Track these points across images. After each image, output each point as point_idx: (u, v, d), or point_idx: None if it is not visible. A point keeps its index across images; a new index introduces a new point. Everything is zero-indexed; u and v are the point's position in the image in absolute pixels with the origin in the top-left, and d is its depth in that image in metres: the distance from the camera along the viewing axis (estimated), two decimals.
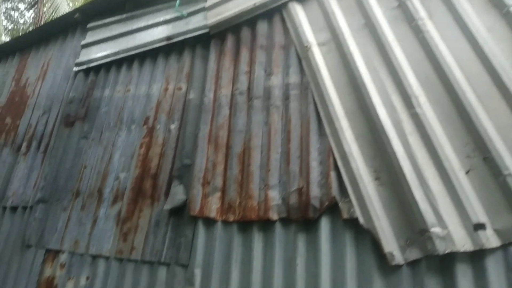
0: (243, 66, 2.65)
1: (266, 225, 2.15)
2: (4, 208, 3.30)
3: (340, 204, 1.96)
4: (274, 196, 2.17)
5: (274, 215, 2.12)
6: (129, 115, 3.05)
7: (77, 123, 3.28)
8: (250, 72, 2.61)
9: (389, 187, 1.88)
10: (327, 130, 2.16)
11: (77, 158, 3.13)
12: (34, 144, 3.44)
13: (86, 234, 2.78)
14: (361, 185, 1.92)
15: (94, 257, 2.67)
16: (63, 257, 2.80)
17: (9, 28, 14.41)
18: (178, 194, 2.50)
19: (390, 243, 1.76)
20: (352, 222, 1.91)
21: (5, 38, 13.15)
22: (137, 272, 2.46)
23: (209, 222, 2.34)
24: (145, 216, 2.60)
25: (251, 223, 2.20)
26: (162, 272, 2.37)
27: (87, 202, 2.90)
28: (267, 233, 2.14)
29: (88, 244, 2.73)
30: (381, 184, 1.91)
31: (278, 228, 2.10)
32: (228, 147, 2.49)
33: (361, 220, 1.86)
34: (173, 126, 2.79)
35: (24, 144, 3.50)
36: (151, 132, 2.88)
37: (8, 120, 3.78)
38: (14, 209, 3.25)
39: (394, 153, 1.88)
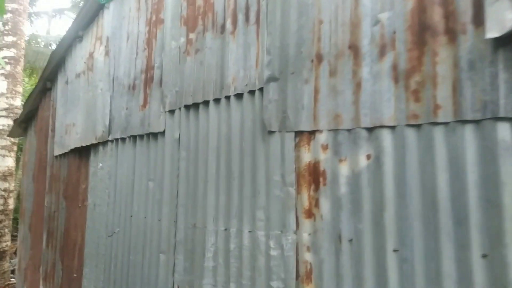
0: None
1: None
2: (228, 98, 2.97)
3: None
4: None
5: None
6: None
7: None
8: None
9: None
10: None
11: (304, 15, 2.48)
12: (240, 17, 2.93)
13: (348, 104, 2.19)
14: None
15: (370, 130, 2.09)
16: (322, 137, 2.31)
17: None
18: (505, 12, 1.62)
19: None
20: None
21: None
22: (452, 138, 1.77)
23: None
24: (444, 60, 1.83)
25: None
26: (503, 131, 1.63)
27: (337, 65, 2.27)
28: None
29: (357, 115, 2.14)
30: None
31: None
32: None
33: None
34: None
35: (228, 21, 3.03)
36: None
37: (200, 2, 3.35)
38: (239, 96, 2.89)
39: None
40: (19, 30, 8.63)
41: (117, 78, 4.43)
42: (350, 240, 2.10)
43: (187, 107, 3.36)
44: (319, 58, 2.37)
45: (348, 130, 2.19)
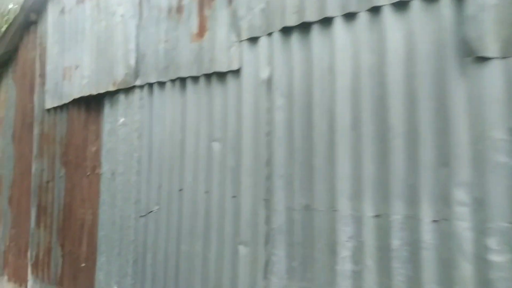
0: None
1: None
2: (375, 10, 1.91)
3: None
4: None
5: None
6: None
7: None
8: None
9: None
10: None
11: None
12: None
13: None
14: None
15: None
16: None
17: None
18: None
19: None
20: None
21: None
22: None
23: None
24: None
25: None
26: None
27: None
28: None
29: None
30: None
31: None
32: None
33: None
34: None
35: None
36: None
37: None
38: (401, 5, 1.83)
39: None
40: None
41: None
42: None
43: (286, 31, 2.27)
44: None
45: None
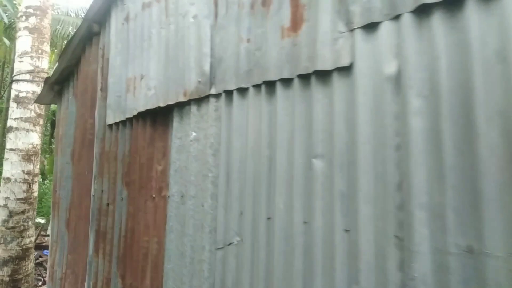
0: None
1: None
2: None
3: None
4: None
5: None
6: None
7: None
8: None
9: None
10: None
11: None
12: None
13: None
14: None
15: None
16: None
17: None
18: None
19: None
20: None
21: None
22: None
23: None
24: None
25: None
26: None
27: None
28: None
29: None
30: None
31: None
32: None
33: None
34: None
35: None
36: None
37: None
38: None
39: None
40: None
41: None
42: None
43: (422, 10, 1.73)
44: None
45: None
